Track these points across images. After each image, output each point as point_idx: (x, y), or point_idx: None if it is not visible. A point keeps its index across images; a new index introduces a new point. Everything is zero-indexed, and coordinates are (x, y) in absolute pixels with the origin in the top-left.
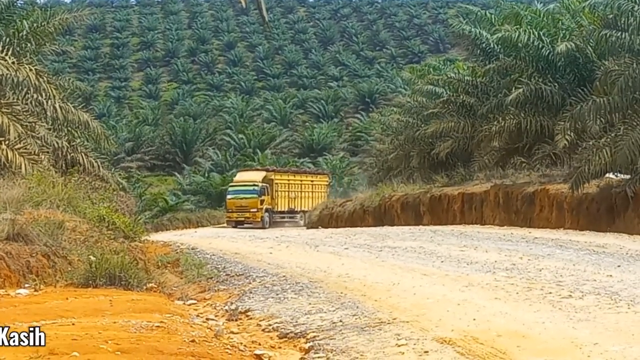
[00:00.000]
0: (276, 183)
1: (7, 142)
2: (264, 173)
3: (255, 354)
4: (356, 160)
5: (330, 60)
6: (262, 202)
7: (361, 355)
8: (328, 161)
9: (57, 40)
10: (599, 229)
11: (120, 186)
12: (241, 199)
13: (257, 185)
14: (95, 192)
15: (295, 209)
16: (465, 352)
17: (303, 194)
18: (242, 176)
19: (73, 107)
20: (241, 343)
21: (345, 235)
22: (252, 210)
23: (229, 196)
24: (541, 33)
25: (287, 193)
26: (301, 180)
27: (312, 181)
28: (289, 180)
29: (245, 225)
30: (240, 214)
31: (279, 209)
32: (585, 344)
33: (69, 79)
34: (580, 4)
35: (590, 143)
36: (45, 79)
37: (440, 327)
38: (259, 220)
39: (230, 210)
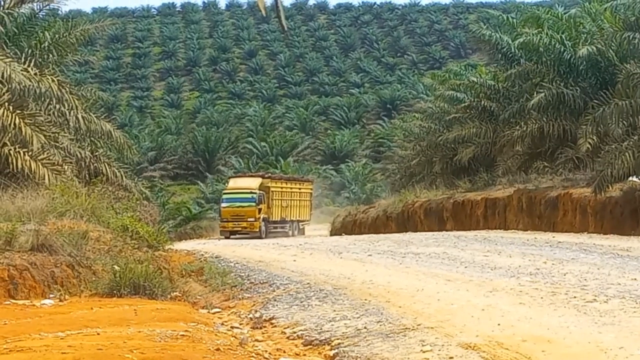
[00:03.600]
0: (272, 191)
1: (30, 153)
2: (259, 180)
3: None
4: (378, 167)
5: (351, 67)
6: (259, 210)
7: None
8: (350, 168)
9: (79, 51)
10: (622, 233)
11: (144, 195)
12: (237, 207)
13: (254, 193)
14: (118, 201)
15: (286, 219)
16: (490, 357)
17: (293, 203)
18: (236, 183)
19: (95, 117)
20: (266, 351)
21: (369, 241)
22: (249, 219)
23: (223, 204)
24: (562, 37)
25: (280, 201)
26: (291, 188)
27: (299, 189)
28: (282, 188)
29: (238, 236)
30: (236, 223)
31: (274, 218)
32: (611, 348)
33: (91, 89)
34: (601, 7)
35: (613, 146)
36: (67, 89)
37: (464, 332)
38: (257, 230)
39: (225, 220)
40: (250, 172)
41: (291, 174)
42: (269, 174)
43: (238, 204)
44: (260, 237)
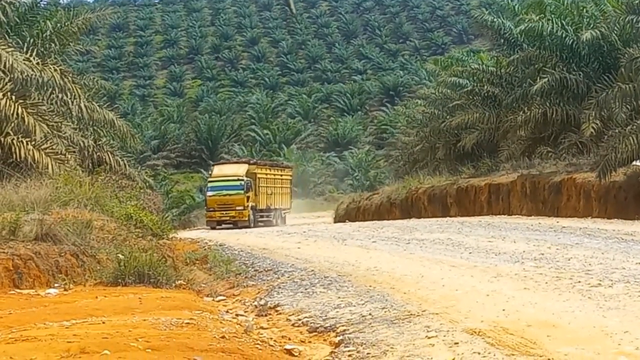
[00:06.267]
0: (259, 177)
1: (33, 143)
2: (246, 166)
3: (285, 349)
4: (382, 154)
5: (353, 54)
6: (248, 198)
7: (391, 347)
8: (354, 155)
9: (81, 40)
10: (626, 217)
11: (147, 184)
12: (224, 195)
13: (242, 180)
14: (122, 190)
15: (271, 207)
16: (495, 342)
17: (276, 190)
18: (222, 170)
19: (98, 106)
20: (271, 338)
21: (373, 228)
22: (238, 208)
23: (209, 193)
24: (565, 22)
25: (266, 189)
26: (274, 175)
27: (281, 175)
28: (267, 174)
29: (224, 226)
30: (224, 212)
31: (260, 207)
32: (616, 332)
33: (94, 78)
34: None
35: (617, 131)
36: (70, 78)
37: (469, 318)
38: (246, 219)
39: (211, 209)
40: (262, 160)
41: (294, 162)
42: (255, 160)
43: (225, 192)
44: (248, 227)
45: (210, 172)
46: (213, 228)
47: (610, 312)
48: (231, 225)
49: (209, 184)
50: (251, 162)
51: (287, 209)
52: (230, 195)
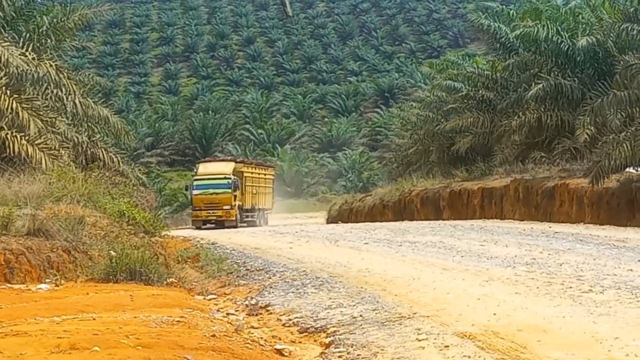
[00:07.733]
0: (245, 176)
1: (27, 138)
2: (232, 164)
3: (275, 349)
4: (376, 155)
5: (349, 55)
6: (235, 197)
7: (381, 350)
8: (347, 156)
9: (77, 36)
10: (619, 224)
11: (140, 181)
12: (211, 194)
13: (229, 178)
14: (115, 187)
15: (255, 207)
16: (485, 346)
17: (260, 189)
18: (207, 168)
19: (93, 102)
20: (262, 338)
21: (365, 230)
22: (225, 207)
23: (195, 192)
24: (560, 28)
25: (252, 188)
26: (259, 174)
27: (265, 175)
28: (252, 173)
29: (208, 226)
30: (211, 212)
31: (246, 207)
32: (606, 339)
33: (89, 75)
34: None
35: (611, 137)
36: (65, 74)
37: (460, 321)
38: (234, 218)
39: (197, 208)
40: (247, 158)
41: (288, 162)
42: (242, 158)
43: (212, 190)
44: (235, 227)
45: (195, 170)
46: (199, 228)
47: (601, 318)
48: (214, 225)
49: (195, 183)
50: (237, 160)
51: (269, 209)
52: (217, 194)
